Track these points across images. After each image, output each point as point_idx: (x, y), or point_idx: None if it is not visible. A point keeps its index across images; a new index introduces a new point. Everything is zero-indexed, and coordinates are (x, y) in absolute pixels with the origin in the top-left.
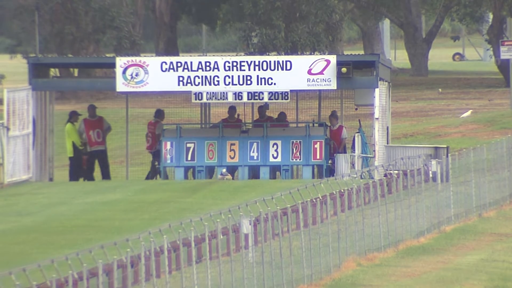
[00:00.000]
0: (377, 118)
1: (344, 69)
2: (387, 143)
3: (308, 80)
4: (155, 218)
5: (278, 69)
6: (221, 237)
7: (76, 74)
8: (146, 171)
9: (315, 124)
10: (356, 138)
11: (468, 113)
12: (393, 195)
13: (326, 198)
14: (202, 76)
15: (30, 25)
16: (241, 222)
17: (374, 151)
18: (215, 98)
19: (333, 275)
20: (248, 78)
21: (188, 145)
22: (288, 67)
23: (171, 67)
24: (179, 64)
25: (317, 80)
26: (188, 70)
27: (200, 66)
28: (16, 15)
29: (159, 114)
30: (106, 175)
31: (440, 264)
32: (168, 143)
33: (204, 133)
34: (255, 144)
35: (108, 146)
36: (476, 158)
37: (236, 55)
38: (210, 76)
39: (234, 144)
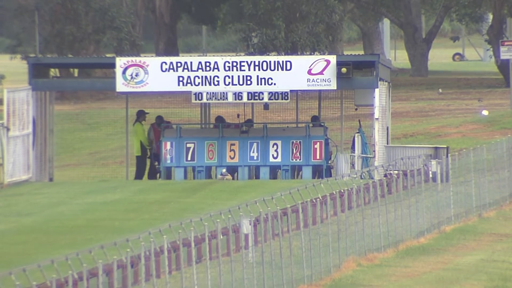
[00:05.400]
0: (377, 118)
1: (344, 69)
2: (387, 143)
3: (308, 80)
4: (155, 218)
5: (278, 69)
6: (221, 237)
7: (76, 74)
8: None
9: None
10: (356, 138)
11: (486, 112)
12: (393, 195)
13: (326, 198)
14: (202, 76)
15: (30, 25)
16: (241, 222)
17: (374, 151)
18: (215, 98)
19: (333, 275)
20: (248, 78)
21: (188, 145)
22: (288, 67)
23: (171, 67)
24: (179, 64)
25: (317, 80)
26: (188, 70)
27: (200, 66)
28: (16, 15)
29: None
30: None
31: (440, 264)
32: (168, 143)
33: (204, 133)
34: (255, 144)
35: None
36: (476, 158)
37: (236, 55)
38: (210, 76)
39: (234, 144)
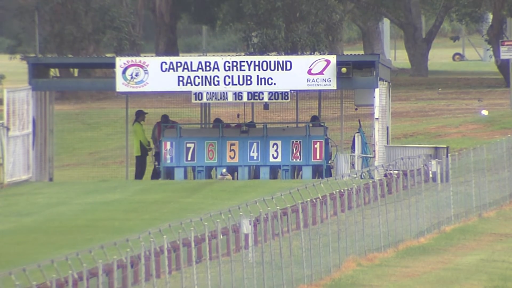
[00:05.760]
0: (377, 118)
1: (344, 69)
2: (387, 143)
3: (308, 80)
4: (155, 218)
5: (278, 69)
6: (221, 237)
7: (76, 74)
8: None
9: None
10: (356, 138)
11: (486, 112)
12: (393, 195)
13: (326, 198)
14: (202, 76)
15: (30, 25)
16: (241, 222)
17: (374, 151)
18: (215, 98)
19: (333, 275)
20: (248, 78)
21: (188, 145)
22: (288, 67)
23: (171, 67)
24: (179, 64)
25: (317, 80)
26: (188, 70)
27: (200, 66)
28: (16, 15)
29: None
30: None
31: (440, 264)
32: (168, 143)
33: (204, 133)
34: (255, 144)
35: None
36: (476, 158)
37: (236, 55)
38: (210, 76)
39: (234, 144)
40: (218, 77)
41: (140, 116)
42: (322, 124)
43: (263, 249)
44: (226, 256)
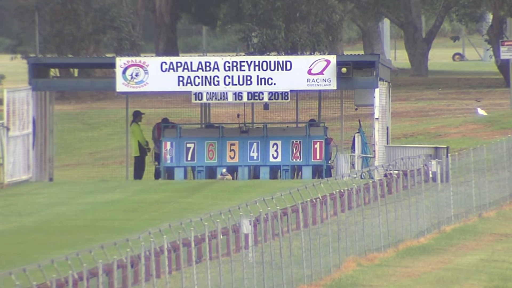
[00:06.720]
0: (377, 118)
1: (344, 69)
2: (387, 143)
3: (308, 80)
4: (155, 218)
5: (278, 69)
6: (221, 237)
7: (76, 74)
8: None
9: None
10: (356, 138)
11: (484, 112)
12: (393, 195)
13: (326, 198)
14: (202, 76)
15: (30, 25)
16: (241, 222)
17: (374, 151)
18: (215, 98)
19: (333, 275)
20: (248, 78)
21: (188, 145)
22: (288, 67)
23: (171, 67)
24: (179, 64)
25: (317, 80)
26: (188, 70)
27: (200, 66)
28: (16, 15)
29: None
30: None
31: (440, 264)
32: (168, 143)
33: (204, 133)
34: (255, 144)
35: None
36: (476, 158)
37: (236, 55)
38: (210, 76)
39: (234, 144)
40: (218, 77)
41: (137, 116)
42: (322, 123)
43: (263, 249)
44: (226, 256)
